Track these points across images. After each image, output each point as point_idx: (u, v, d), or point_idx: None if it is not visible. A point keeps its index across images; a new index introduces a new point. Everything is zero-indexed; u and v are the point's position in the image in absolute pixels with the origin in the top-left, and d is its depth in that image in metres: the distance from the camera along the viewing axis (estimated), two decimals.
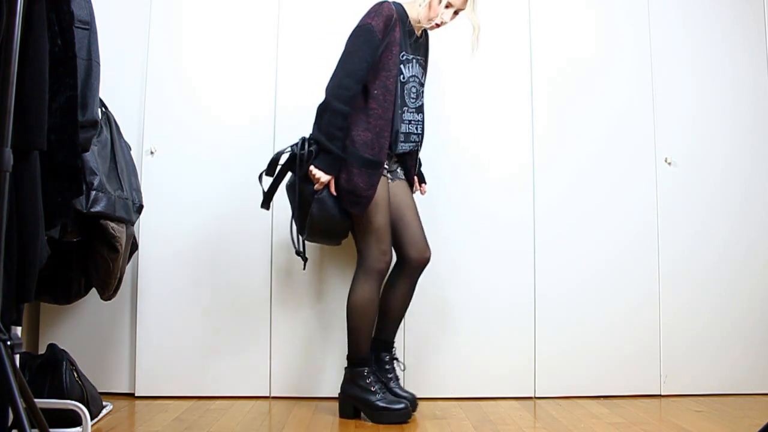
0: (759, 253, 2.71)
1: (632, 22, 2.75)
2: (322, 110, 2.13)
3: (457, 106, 2.67)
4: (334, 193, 2.15)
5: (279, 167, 2.21)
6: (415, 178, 2.42)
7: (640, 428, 2.08)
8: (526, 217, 2.64)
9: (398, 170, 2.34)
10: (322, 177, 2.12)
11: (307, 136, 2.19)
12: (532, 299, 2.61)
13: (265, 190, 2.22)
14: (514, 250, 2.63)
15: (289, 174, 2.23)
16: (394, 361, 2.34)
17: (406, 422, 2.16)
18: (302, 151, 2.15)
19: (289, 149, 2.19)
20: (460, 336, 2.58)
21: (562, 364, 2.59)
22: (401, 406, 2.17)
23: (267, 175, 2.22)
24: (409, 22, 2.24)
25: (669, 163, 2.70)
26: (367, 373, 2.21)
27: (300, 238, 2.27)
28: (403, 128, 2.24)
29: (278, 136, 2.60)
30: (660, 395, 2.61)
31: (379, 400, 2.17)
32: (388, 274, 2.29)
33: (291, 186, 2.22)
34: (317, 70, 2.56)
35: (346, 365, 2.26)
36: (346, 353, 2.26)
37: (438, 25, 2.23)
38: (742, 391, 2.64)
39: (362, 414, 2.23)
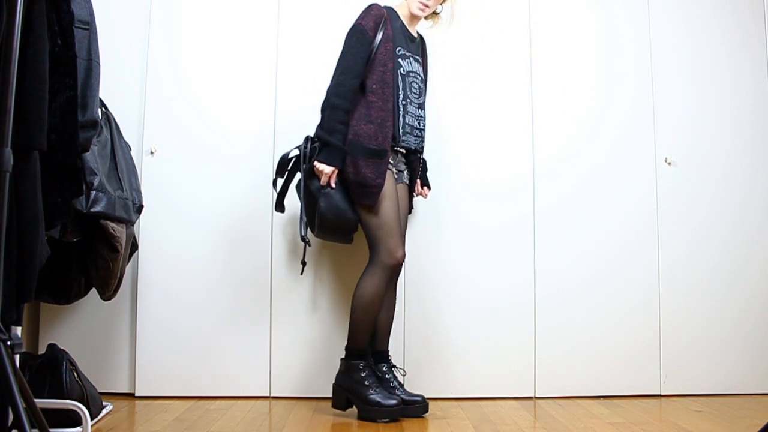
0: (759, 253, 2.72)
1: (632, 23, 2.75)
2: (324, 108, 2.20)
3: (458, 108, 2.66)
4: (333, 186, 2.18)
5: (288, 168, 2.27)
6: (417, 180, 2.43)
7: (640, 428, 2.08)
8: (527, 218, 2.64)
9: (405, 173, 2.36)
10: (325, 169, 2.16)
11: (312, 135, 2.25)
12: (532, 299, 2.61)
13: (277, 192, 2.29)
14: (514, 250, 2.63)
15: (299, 174, 2.27)
16: (393, 369, 2.34)
17: (397, 419, 2.16)
18: (306, 149, 2.22)
19: (296, 150, 2.25)
20: (460, 336, 2.58)
21: (562, 364, 2.59)
22: (393, 402, 2.16)
23: (277, 176, 2.30)
24: (402, 21, 2.31)
25: (669, 163, 2.70)
26: (363, 366, 2.21)
27: (305, 244, 2.28)
28: (407, 119, 2.26)
29: (278, 136, 2.60)
30: (660, 395, 2.61)
31: (372, 394, 2.16)
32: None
33: (299, 185, 2.27)
34: (317, 70, 2.57)
35: (342, 357, 2.27)
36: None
37: (427, 5, 2.27)
38: (742, 391, 2.64)
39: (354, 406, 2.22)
